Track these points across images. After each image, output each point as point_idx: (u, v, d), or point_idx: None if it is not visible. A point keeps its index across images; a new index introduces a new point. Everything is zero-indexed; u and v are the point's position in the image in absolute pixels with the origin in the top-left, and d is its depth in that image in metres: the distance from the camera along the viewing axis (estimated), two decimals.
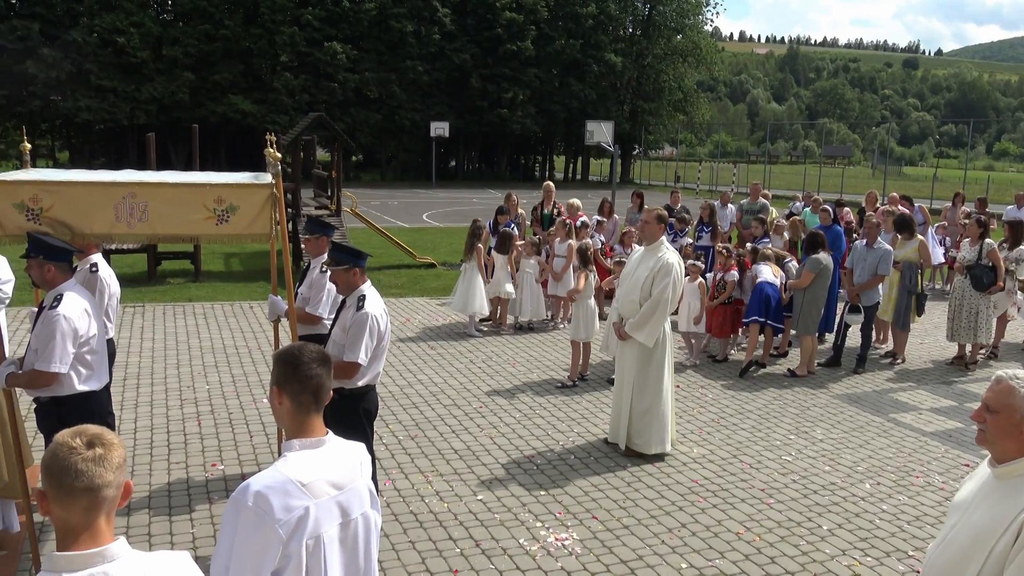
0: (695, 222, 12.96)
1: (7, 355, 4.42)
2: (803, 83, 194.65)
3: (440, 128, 40.74)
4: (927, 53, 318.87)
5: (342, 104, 43.86)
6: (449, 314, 11.38)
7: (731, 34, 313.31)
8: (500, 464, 6.38)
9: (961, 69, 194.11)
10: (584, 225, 11.27)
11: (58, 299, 4.26)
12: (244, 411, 7.38)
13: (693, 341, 9.56)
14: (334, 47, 43.04)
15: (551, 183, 12.99)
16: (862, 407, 8.10)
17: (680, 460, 6.61)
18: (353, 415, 4.55)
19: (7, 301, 6.39)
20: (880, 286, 9.41)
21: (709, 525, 5.46)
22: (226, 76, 42.04)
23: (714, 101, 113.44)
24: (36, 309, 4.53)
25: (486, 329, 10.81)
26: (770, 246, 10.15)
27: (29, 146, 5.56)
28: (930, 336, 11.18)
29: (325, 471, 2.39)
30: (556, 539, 5.18)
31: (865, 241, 9.38)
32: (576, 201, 12.19)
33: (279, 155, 4.68)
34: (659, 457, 6.61)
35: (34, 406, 4.56)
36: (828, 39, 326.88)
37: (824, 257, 9.06)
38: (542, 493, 5.87)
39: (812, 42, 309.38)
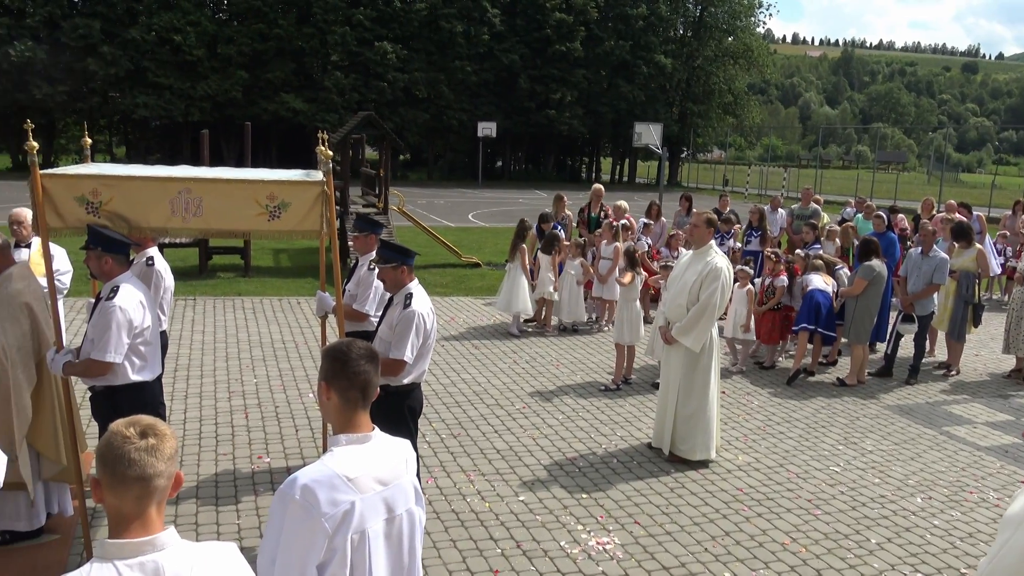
0: (744, 226, 12.78)
1: (64, 344, 4.53)
2: (857, 87, 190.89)
3: (487, 128, 40.86)
4: (987, 57, 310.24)
5: (391, 103, 44.25)
6: (493, 314, 11.39)
7: (783, 36, 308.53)
8: (542, 465, 6.36)
9: (1023, 74, 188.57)
10: (627, 227, 11.18)
11: (115, 291, 4.35)
12: (291, 405, 7.48)
13: (739, 347, 9.43)
14: (384, 47, 43.46)
15: (600, 186, 12.92)
16: (914, 419, 7.90)
17: (725, 467, 6.52)
18: (398, 412, 4.57)
19: (65, 291, 6.58)
20: (935, 296, 9.18)
21: (754, 534, 5.38)
22: (278, 75, 42.73)
23: (765, 104, 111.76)
24: (93, 300, 4.64)
25: (530, 330, 10.80)
26: (821, 252, 9.96)
27: (90, 141, 5.71)
28: (986, 348, 10.87)
29: (371, 467, 2.40)
30: (597, 543, 5.15)
31: (920, 249, 9.16)
32: (623, 203, 12.13)
33: (330, 153, 4.72)
34: (703, 463, 6.53)
35: (89, 395, 4.68)
36: (884, 42, 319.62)
37: (877, 264, 8.85)
38: (584, 496, 5.84)
39: (867, 45, 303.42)
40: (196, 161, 19.25)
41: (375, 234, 5.81)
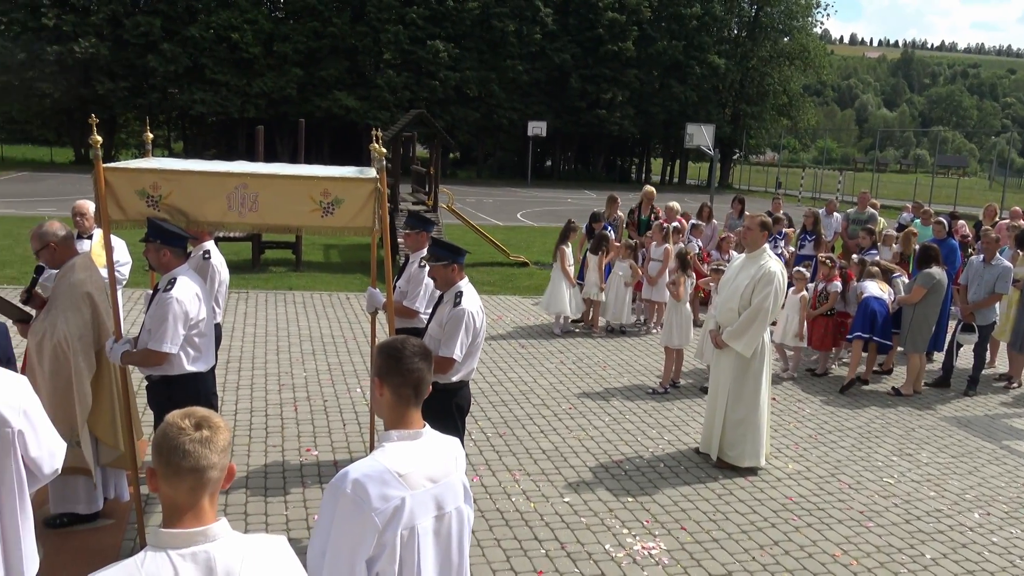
0: (798, 230, 12.55)
1: (123, 334, 4.63)
2: (917, 89, 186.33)
3: (537, 127, 40.82)
4: None
5: (442, 102, 44.52)
6: (540, 313, 11.37)
7: (841, 37, 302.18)
8: (588, 467, 6.32)
9: None
10: (678, 229, 11.06)
11: (172, 282, 4.44)
12: (339, 399, 7.56)
13: (790, 353, 9.26)
14: (437, 45, 43.74)
15: (651, 187, 12.80)
16: (972, 431, 7.67)
17: (774, 475, 6.40)
18: (446, 410, 4.58)
19: (124, 282, 6.73)
20: (996, 305, 8.89)
21: (803, 545, 5.27)
22: (332, 72, 43.30)
23: (821, 106, 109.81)
24: (151, 291, 4.74)
25: (577, 330, 10.75)
26: (878, 258, 9.73)
27: (152, 136, 5.83)
28: None
29: (422, 463, 2.40)
30: (643, 547, 5.10)
31: (982, 257, 8.88)
32: (676, 204, 12.00)
33: (384, 151, 4.74)
34: (752, 471, 6.42)
35: (145, 384, 4.78)
36: (946, 43, 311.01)
37: (937, 272, 8.61)
38: (630, 500, 5.79)
39: (928, 46, 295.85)
40: (251, 157, 19.59)
41: (426, 231, 5.84)
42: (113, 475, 5.10)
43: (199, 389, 4.59)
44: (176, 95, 42.34)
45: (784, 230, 12.01)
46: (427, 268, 5.00)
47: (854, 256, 9.98)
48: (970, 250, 11.00)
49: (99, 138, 4.29)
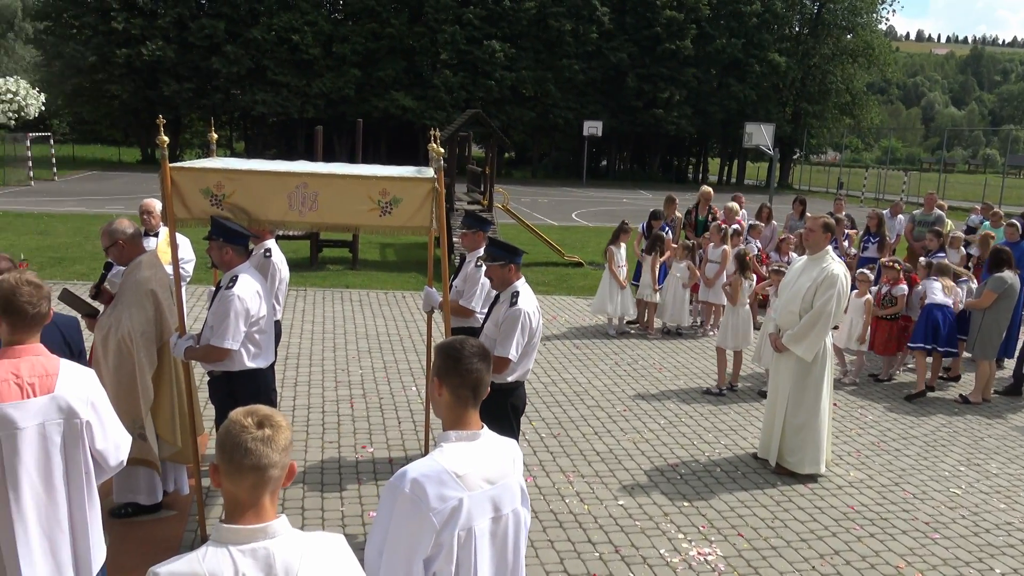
0: (860, 232, 12.23)
1: (186, 330, 4.74)
2: (987, 86, 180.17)
3: (593, 127, 40.64)
4: None
5: (498, 101, 44.62)
6: (594, 314, 11.29)
7: (907, 33, 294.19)
8: (643, 470, 6.25)
9: None
10: (737, 232, 10.87)
11: (234, 280, 4.52)
12: (394, 397, 7.62)
13: (852, 358, 9.02)
14: (493, 45, 43.88)
15: (708, 188, 12.59)
16: None
17: (835, 483, 6.24)
18: (501, 410, 4.57)
19: (188, 279, 6.89)
20: None
21: (865, 555, 5.12)
22: (389, 73, 43.78)
23: (885, 104, 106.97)
24: (213, 288, 4.84)
25: (632, 332, 10.66)
26: (946, 261, 9.42)
27: (216, 136, 5.96)
28: None
29: (479, 465, 2.40)
30: (698, 553, 5.02)
31: None
32: (735, 205, 11.80)
33: (442, 150, 4.76)
34: (812, 478, 6.27)
35: (207, 379, 4.88)
36: (1019, 39, 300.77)
37: (1009, 276, 8.30)
38: (685, 504, 5.71)
39: (1000, 42, 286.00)
40: (310, 156, 19.91)
41: (483, 231, 5.84)
42: (172, 469, 5.21)
43: (259, 385, 4.67)
44: (239, 96, 43.33)
45: (847, 231, 11.71)
46: (484, 268, 5.00)
47: (921, 259, 9.67)
48: None
49: (165, 138, 4.40)
